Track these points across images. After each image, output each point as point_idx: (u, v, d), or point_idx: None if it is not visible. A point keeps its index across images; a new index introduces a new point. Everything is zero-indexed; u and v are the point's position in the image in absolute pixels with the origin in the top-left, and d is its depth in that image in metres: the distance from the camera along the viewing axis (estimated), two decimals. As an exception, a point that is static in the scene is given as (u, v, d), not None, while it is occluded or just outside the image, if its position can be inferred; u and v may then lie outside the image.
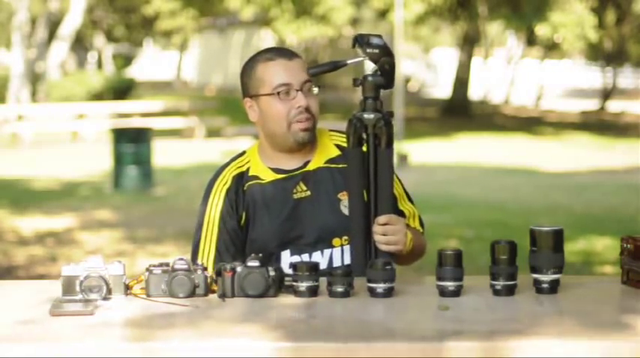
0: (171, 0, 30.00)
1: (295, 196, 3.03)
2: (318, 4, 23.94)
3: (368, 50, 2.94)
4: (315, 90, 3.03)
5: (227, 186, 3.05)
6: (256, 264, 2.63)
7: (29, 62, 25.84)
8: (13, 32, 25.93)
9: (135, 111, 22.53)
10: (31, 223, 10.29)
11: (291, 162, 3.06)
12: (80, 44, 38.08)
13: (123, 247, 8.95)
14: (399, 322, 2.41)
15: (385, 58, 2.94)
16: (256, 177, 3.06)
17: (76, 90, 26.24)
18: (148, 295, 2.62)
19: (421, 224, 3.16)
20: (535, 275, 2.63)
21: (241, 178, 3.06)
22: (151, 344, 2.25)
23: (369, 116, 2.95)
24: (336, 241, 3.01)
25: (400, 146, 17.12)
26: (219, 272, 2.63)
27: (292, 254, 2.99)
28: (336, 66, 3.01)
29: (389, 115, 2.98)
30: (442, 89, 36.11)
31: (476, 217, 10.74)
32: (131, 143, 13.53)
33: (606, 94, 33.06)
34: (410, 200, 3.16)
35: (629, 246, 2.73)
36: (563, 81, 39.84)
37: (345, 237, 3.01)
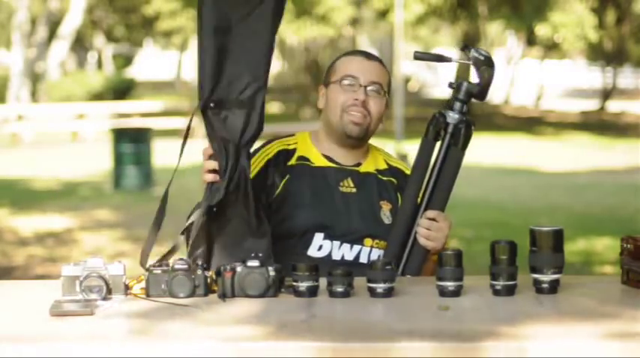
0: (172, 0, 29.98)
1: (342, 189, 3.09)
2: (318, 4, 23.95)
3: (474, 54, 3.01)
4: (381, 94, 3.10)
5: (269, 156, 3.11)
6: (256, 264, 2.63)
7: (29, 62, 25.83)
8: (13, 32, 25.93)
9: (135, 111, 22.53)
10: (31, 223, 10.29)
11: (344, 158, 3.14)
12: (80, 44, 38.06)
13: (123, 247, 8.95)
14: (399, 322, 2.41)
15: (486, 67, 3.00)
16: (305, 159, 3.12)
17: (76, 90, 26.25)
18: (148, 295, 2.62)
19: None
20: (535, 275, 2.63)
21: (286, 154, 3.12)
22: (151, 344, 2.25)
23: (454, 115, 3.02)
24: (367, 241, 3.07)
25: (400, 146, 17.12)
26: (219, 272, 2.63)
27: (325, 238, 3.03)
28: (441, 58, 3.10)
29: (472, 122, 3.04)
30: (442, 89, 36.12)
31: (476, 217, 10.75)
32: (131, 143, 13.54)
33: (606, 94, 33.04)
34: None
35: (629, 246, 2.73)
36: (563, 81, 39.84)
37: (377, 241, 3.06)
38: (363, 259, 3.04)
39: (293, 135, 3.21)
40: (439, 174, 3.02)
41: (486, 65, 3.01)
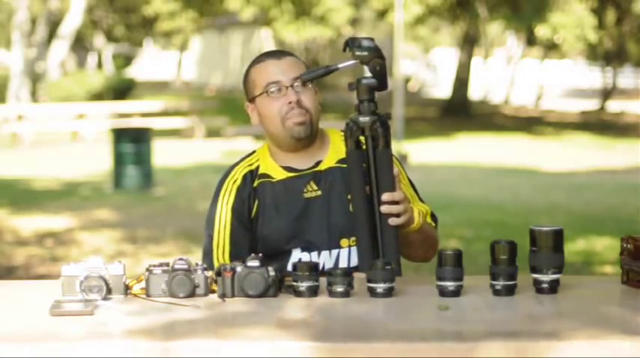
0: (171, 1, 29.99)
1: (306, 195, 3.05)
2: (317, 4, 23.95)
3: (357, 53, 2.93)
4: (307, 85, 3.05)
5: (237, 183, 3.08)
6: (256, 263, 2.63)
7: (29, 62, 25.84)
8: (13, 32, 25.94)
9: (135, 111, 22.52)
10: (31, 223, 10.29)
11: (303, 162, 3.08)
12: (80, 44, 38.10)
13: (123, 247, 8.95)
14: (399, 322, 2.41)
15: (376, 60, 2.93)
16: (267, 176, 3.08)
17: (76, 90, 26.25)
18: (148, 295, 2.63)
19: (434, 220, 3.16)
20: (535, 275, 2.63)
21: (251, 176, 3.09)
22: (151, 344, 2.25)
23: (364, 119, 2.96)
24: (344, 242, 3.03)
25: (400, 146, 17.11)
26: (219, 273, 2.63)
27: (302, 251, 3.01)
28: (328, 70, 3.01)
29: (385, 117, 2.99)
30: (442, 89, 36.13)
31: (476, 217, 10.74)
32: (131, 143, 13.53)
33: (606, 94, 33.06)
34: (421, 200, 3.16)
35: (629, 246, 2.73)
36: (563, 81, 39.86)
37: (353, 238, 3.01)
38: (343, 262, 3.01)
39: (254, 152, 3.17)
40: (377, 179, 2.96)
41: (375, 57, 2.92)
